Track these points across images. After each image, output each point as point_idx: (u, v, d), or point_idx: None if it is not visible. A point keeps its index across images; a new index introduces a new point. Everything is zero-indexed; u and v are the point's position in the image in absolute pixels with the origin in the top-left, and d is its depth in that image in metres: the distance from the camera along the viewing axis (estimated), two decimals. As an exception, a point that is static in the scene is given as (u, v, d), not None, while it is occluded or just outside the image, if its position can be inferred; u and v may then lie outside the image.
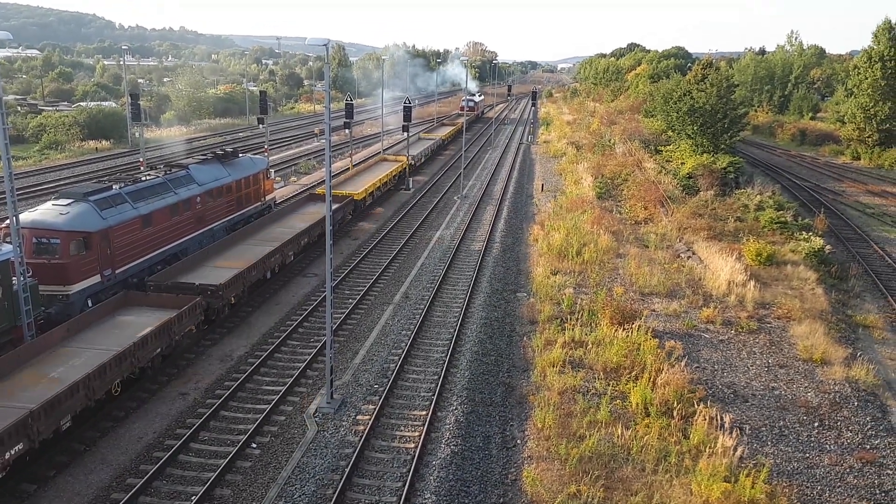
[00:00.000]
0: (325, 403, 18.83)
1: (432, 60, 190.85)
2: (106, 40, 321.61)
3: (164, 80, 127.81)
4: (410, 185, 52.20)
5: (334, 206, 35.87)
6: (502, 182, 55.12)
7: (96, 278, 22.86)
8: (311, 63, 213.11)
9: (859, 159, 68.52)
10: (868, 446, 17.51)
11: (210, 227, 30.25)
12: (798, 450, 17.25)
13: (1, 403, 15.45)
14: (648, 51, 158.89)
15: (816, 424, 18.47)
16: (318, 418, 18.21)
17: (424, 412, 18.54)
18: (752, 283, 27.78)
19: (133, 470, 15.97)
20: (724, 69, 67.55)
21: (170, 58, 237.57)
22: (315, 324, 24.82)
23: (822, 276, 30.10)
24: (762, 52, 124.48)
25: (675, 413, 18.07)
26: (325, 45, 18.61)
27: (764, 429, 18.13)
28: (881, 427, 18.44)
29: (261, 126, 58.67)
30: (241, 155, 35.54)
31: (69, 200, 23.29)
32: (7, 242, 19.56)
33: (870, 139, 67.70)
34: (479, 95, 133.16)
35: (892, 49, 65.18)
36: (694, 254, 32.67)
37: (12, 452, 13.82)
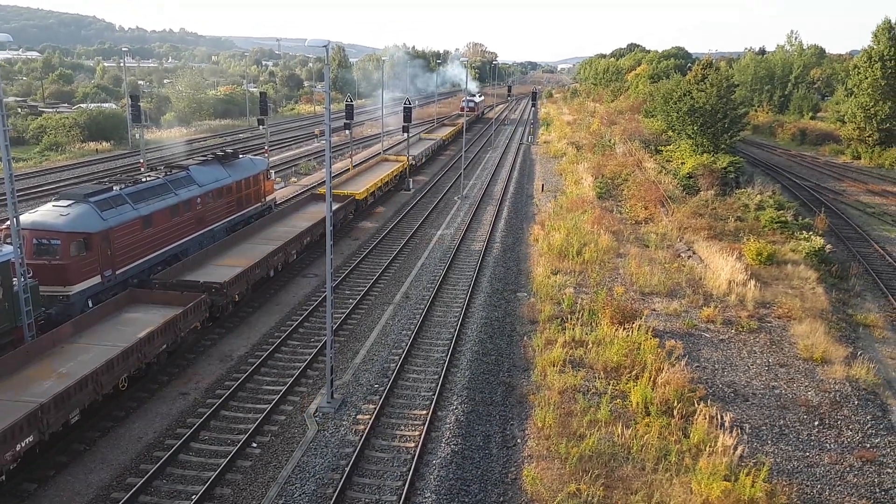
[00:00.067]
0: (326, 403, 18.85)
1: (432, 61, 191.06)
2: (106, 42, 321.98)
3: (165, 81, 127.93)
4: (411, 186, 52.21)
5: (336, 206, 36.10)
6: (502, 182, 55.14)
7: (97, 279, 22.88)
8: (311, 64, 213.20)
9: (859, 159, 68.53)
10: (868, 445, 17.51)
11: (210, 227, 30.27)
12: (798, 448, 17.25)
13: (12, 397, 15.83)
14: (648, 51, 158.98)
15: (817, 423, 18.47)
16: (318, 418, 18.22)
17: (425, 412, 18.55)
18: (753, 282, 27.78)
19: (133, 469, 15.99)
20: (724, 69, 67.58)
21: (170, 59, 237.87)
22: (315, 324, 24.83)
23: (822, 276, 30.10)
24: (762, 51, 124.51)
25: (675, 412, 18.07)
26: (325, 46, 18.63)
27: (764, 428, 18.13)
28: (881, 426, 18.44)
29: (261, 127, 58.67)
30: (241, 156, 35.56)
31: (70, 202, 23.31)
32: (7, 243, 19.57)
33: (870, 139, 67.70)
34: (480, 96, 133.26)
35: (892, 49, 65.19)
36: (694, 253, 32.68)
37: (23, 444, 14.16)
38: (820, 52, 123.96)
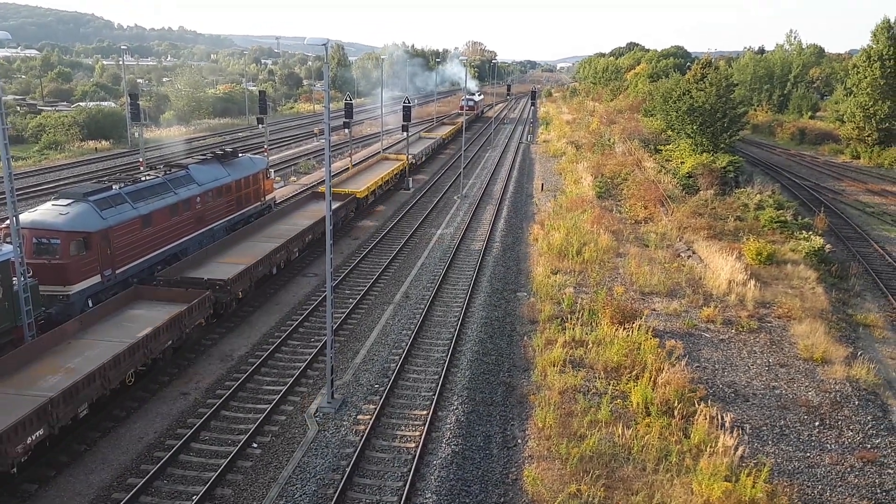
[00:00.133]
0: (326, 403, 18.83)
1: (431, 60, 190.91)
2: (105, 40, 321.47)
3: (164, 79, 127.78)
4: (410, 185, 52.17)
5: (337, 204, 36.25)
6: (502, 181, 55.12)
7: (96, 278, 22.85)
8: (310, 63, 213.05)
9: (859, 158, 68.55)
10: (869, 445, 17.52)
11: (210, 227, 30.24)
12: (799, 449, 17.26)
13: (22, 392, 16.13)
14: (647, 50, 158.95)
15: (817, 424, 18.48)
16: (318, 418, 18.21)
17: (425, 412, 18.54)
18: (753, 282, 27.78)
19: (134, 470, 15.97)
20: (723, 68, 67.60)
21: (169, 58, 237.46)
22: (315, 323, 24.81)
23: (822, 276, 30.11)
24: (761, 51, 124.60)
25: (675, 412, 18.07)
26: (324, 44, 18.60)
27: (765, 428, 18.13)
28: (882, 426, 18.44)
29: (260, 126, 58.65)
30: (240, 155, 35.54)
31: (69, 201, 23.27)
32: (7, 243, 19.54)
33: (869, 138, 67.73)
34: (479, 95, 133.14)
35: (891, 48, 65.21)
36: (694, 253, 32.68)
37: (33, 438, 14.42)
38: (819, 52, 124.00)
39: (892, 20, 66.20)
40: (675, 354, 21.52)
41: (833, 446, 17.44)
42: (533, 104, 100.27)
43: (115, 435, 17.35)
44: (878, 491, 15.75)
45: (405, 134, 54.89)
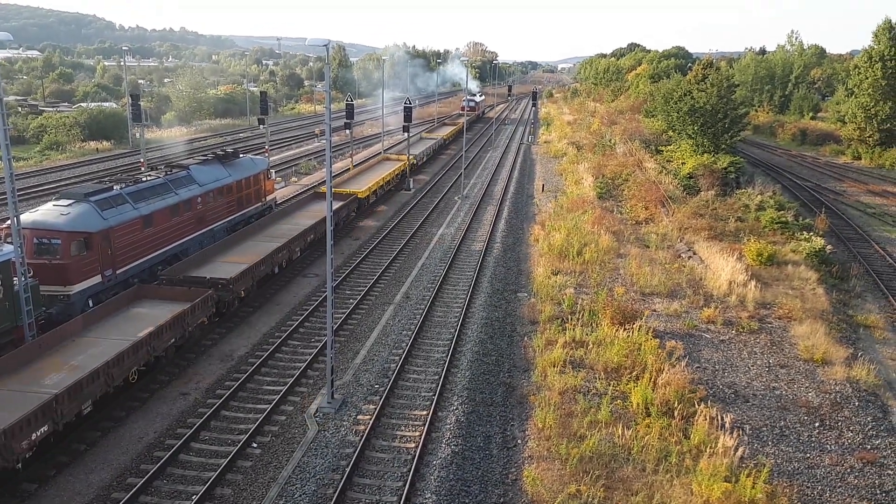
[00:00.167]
0: (326, 403, 18.84)
1: (432, 61, 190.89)
2: (106, 41, 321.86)
3: (165, 80, 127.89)
4: (411, 186, 52.18)
5: (339, 204, 36.44)
6: (503, 182, 55.12)
7: (97, 279, 22.88)
8: (311, 64, 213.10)
9: (860, 159, 68.49)
10: (869, 446, 17.50)
11: (211, 227, 30.27)
12: (799, 450, 17.24)
13: (26, 388, 16.29)
14: (649, 51, 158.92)
15: (817, 424, 18.46)
16: (318, 418, 18.22)
17: (425, 412, 18.54)
18: (753, 283, 27.76)
19: (134, 469, 15.99)
20: (724, 69, 67.54)
21: (170, 58, 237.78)
22: (316, 324, 24.83)
23: (822, 276, 30.09)
24: (762, 51, 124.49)
25: (675, 413, 18.06)
26: (325, 45, 18.61)
27: (765, 429, 18.12)
28: (882, 427, 18.43)
29: (261, 126, 58.66)
30: (241, 155, 35.59)
31: (70, 201, 23.31)
32: (8, 243, 19.57)
33: (870, 139, 67.66)
34: (480, 95, 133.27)
35: (893, 49, 65.13)
36: (695, 254, 32.67)
37: (38, 434, 14.58)
38: (820, 52, 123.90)
39: (894, 21, 66.11)
40: (675, 355, 21.51)
41: (833, 447, 17.42)
42: (534, 105, 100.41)
43: (114, 435, 17.36)
44: (878, 492, 15.74)
45: (406, 135, 54.92)
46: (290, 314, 26.02)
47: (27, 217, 22.03)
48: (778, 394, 20.00)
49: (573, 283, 28.78)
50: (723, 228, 36.67)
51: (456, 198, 48.61)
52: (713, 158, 49.40)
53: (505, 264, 32.57)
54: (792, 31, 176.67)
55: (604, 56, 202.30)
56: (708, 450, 16.31)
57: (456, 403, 19.03)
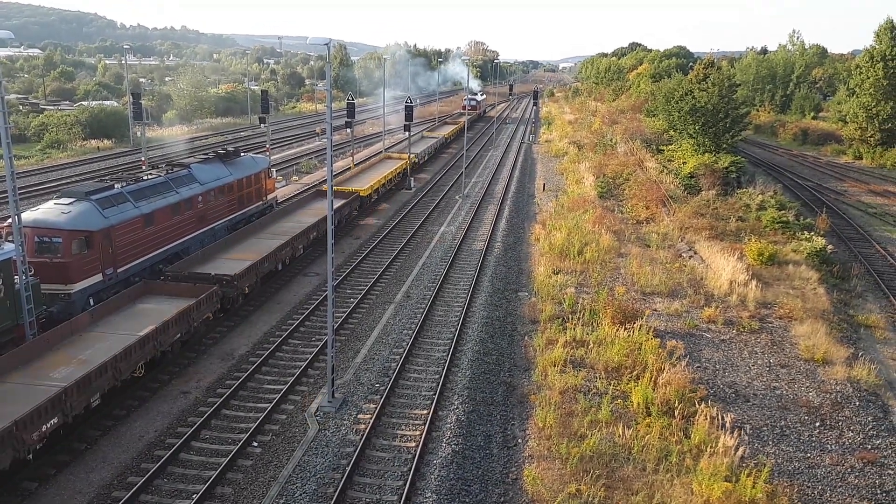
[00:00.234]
0: (327, 402, 18.84)
1: (433, 60, 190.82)
2: (108, 39, 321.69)
3: (166, 79, 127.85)
4: (412, 185, 52.16)
5: (341, 202, 36.65)
6: (504, 181, 55.11)
7: (98, 277, 22.89)
8: (312, 62, 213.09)
9: (861, 159, 68.42)
10: (869, 446, 17.50)
11: (211, 226, 30.28)
12: (799, 449, 17.24)
13: (36, 382, 16.63)
14: (650, 50, 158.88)
15: (818, 424, 18.45)
16: (319, 417, 18.22)
17: (426, 411, 18.55)
18: (754, 282, 27.75)
19: (134, 468, 15.99)
20: (725, 69, 67.50)
21: (171, 57, 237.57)
22: (316, 323, 24.83)
23: (823, 276, 30.07)
24: (764, 51, 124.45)
25: (676, 413, 18.05)
26: (326, 44, 18.61)
27: (765, 428, 18.11)
28: (882, 427, 18.42)
29: (262, 125, 58.72)
30: (242, 154, 35.59)
31: (71, 199, 23.32)
32: (9, 241, 19.59)
33: (872, 139, 67.58)
34: (481, 94, 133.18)
35: (894, 48, 65.05)
36: (695, 253, 32.65)
37: (48, 426, 14.90)
38: (822, 52, 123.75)
39: (895, 21, 66.01)
40: (675, 355, 21.50)
41: (833, 447, 17.42)
42: (535, 104, 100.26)
43: (115, 433, 17.37)
44: (879, 492, 15.73)
45: (407, 134, 54.93)
46: (291, 313, 26.02)
47: (28, 215, 22.05)
48: (778, 393, 19.99)
49: (574, 283, 28.78)
50: (724, 228, 36.65)
51: (457, 197, 48.60)
52: (714, 158, 49.38)
53: (506, 263, 32.57)
54: (793, 31, 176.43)
55: (605, 55, 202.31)
56: (708, 449, 16.31)
57: (456, 403, 19.04)
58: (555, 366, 20.77)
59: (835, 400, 19.68)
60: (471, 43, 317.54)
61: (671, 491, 15.16)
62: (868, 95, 66.70)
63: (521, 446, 17.26)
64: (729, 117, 53.66)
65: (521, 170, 61.72)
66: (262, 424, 17.74)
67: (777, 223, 36.67)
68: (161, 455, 16.31)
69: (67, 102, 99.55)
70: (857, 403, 19.50)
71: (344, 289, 28.62)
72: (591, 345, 22.20)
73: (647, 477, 15.71)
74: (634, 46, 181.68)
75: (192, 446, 16.89)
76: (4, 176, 19.02)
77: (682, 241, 35.05)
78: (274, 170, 41.18)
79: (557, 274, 29.72)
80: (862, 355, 22.54)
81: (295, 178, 53.03)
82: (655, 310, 25.99)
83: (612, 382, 19.90)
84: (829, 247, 33.05)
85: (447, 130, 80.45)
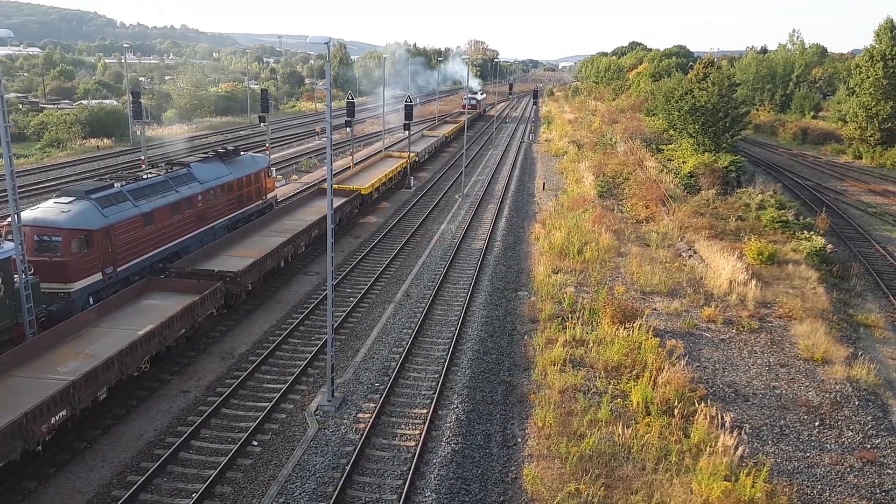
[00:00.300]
0: (326, 401, 18.85)
1: (433, 59, 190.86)
2: (107, 38, 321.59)
3: (166, 78, 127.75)
4: (412, 184, 52.13)
5: (343, 200, 36.88)
6: (503, 180, 55.11)
7: (98, 276, 22.88)
8: (312, 61, 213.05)
9: (861, 158, 68.43)
10: (869, 446, 17.51)
11: (211, 225, 30.28)
12: (799, 449, 17.25)
13: (44, 375, 17.02)
14: (650, 49, 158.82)
15: (817, 424, 18.47)
16: (318, 416, 18.23)
17: (425, 410, 18.55)
18: (754, 282, 27.76)
19: (134, 467, 15.99)
20: (725, 68, 67.51)
21: (171, 56, 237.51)
22: (316, 322, 24.83)
23: (823, 276, 30.08)
24: (764, 50, 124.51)
25: (675, 412, 18.06)
26: (326, 43, 18.60)
27: (765, 428, 18.12)
28: (882, 426, 18.43)
29: (262, 124, 58.70)
30: (242, 153, 35.58)
31: (71, 198, 23.30)
32: (9, 240, 19.58)
33: (871, 138, 67.59)
34: (481, 94, 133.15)
35: (894, 48, 65.06)
36: (695, 253, 32.66)
37: (57, 418, 15.22)
38: (822, 52, 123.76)
39: (895, 20, 66.02)
40: (675, 354, 21.51)
41: (833, 446, 17.43)
42: (535, 103, 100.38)
43: (115, 432, 17.37)
44: (878, 491, 15.74)
45: (407, 133, 54.92)
46: (291, 312, 26.03)
47: (28, 214, 22.03)
48: (778, 393, 20.00)
49: (573, 282, 28.78)
50: (723, 227, 36.65)
51: (457, 196, 48.59)
52: (714, 157, 49.38)
53: (505, 263, 32.57)
54: (793, 30, 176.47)
55: (605, 55, 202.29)
56: (708, 449, 16.31)
57: (456, 402, 19.04)
58: (554, 365, 20.77)
59: (834, 399, 19.69)
60: (470, 42, 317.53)
61: (671, 490, 15.17)
62: (868, 95, 66.71)
63: (520, 445, 17.27)
64: (729, 117, 53.67)
65: (520, 169, 61.72)
66: (261, 423, 17.73)
67: (777, 222, 36.68)
68: (161, 454, 16.31)
69: (67, 101, 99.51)
70: (857, 403, 19.51)
71: (344, 288, 28.62)
72: (591, 344, 22.21)
73: (647, 476, 15.72)
74: (634, 46, 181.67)
75: (192, 445, 16.88)
76: (4, 175, 19.01)
77: (681, 240, 35.06)
78: (274, 169, 41.18)
79: (557, 273, 29.73)
80: (861, 355, 22.55)
81: (295, 177, 53.01)
82: (655, 309, 26.00)
83: (612, 382, 19.91)
84: (829, 246, 33.07)
85: (447, 129, 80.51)
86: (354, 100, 64.69)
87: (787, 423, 18.42)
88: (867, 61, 67.52)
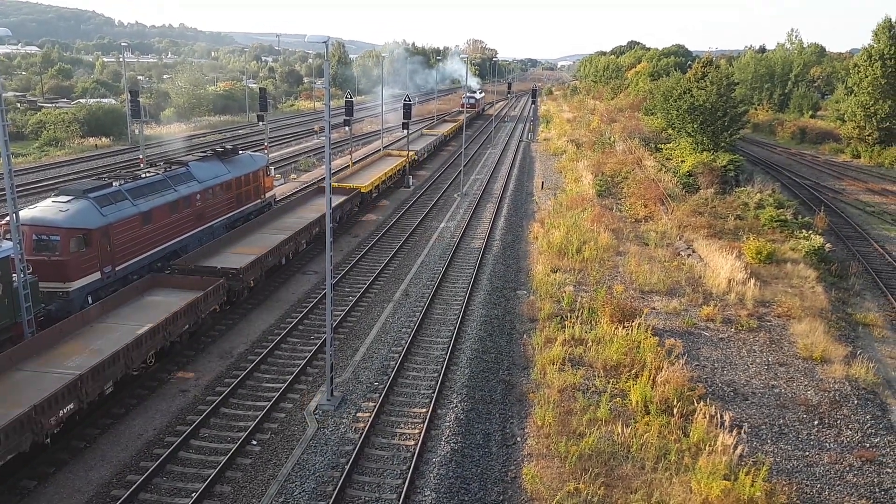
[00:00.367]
0: (326, 401, 18.84)
1: (432, 58, 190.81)
2: (105, 37, 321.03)
3: (164, 77, 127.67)
4: (411, 183, 52.10)
5: (343, 198, 37.09)
6: (502, 179, 55.11)
7: (96, 275, 22.84)
8: (310, 60, 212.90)
9: (859, 157, 68.49)
10: (868, 444, 17.53)
11: (210, 224, 30.24)
12: (798, 448, 17.27)
13: (52, 370, 17.35)
14: (648, 49, 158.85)
15: (816, 423, 18.49)
16: (318, 415, 18.22)
17: (424, 409, 18.55)
18: (752, 281, 27.78)
19: (133, 467, 15.98)
20: (724, 67, 67.56)
21: (169, 55, 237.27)
22: (315, 321, 24.82)
23: (822, 275, 30.10)
24: (762, 50, 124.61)
25: (674, 411, 18.07)
26: (324, 42, 18.59)
27: (764, 427, 18.14)
28: (881, 425, 18.45)
29: (260, 123, 58.63)
30: (240, 152, 35.53)
31: (69, 197, 23.25)
32: (7, 239, 19.54)
33: (870, 137, 67.67)
34: (480, 93, 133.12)
35: (892, 47, 65.13)
36: (694, 252, 32.68)
37: (65, 411, 15.55)
38: (820, 51, 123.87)
39: (894, 20, 66.10)
40: (674, 353, 21.52)
41: (832, 445, 17.45)
42: (533, 102, 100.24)
43: (114, 432, 17.36)
44: (877, 490, 15.77)
45: (405, 132, 54.90)
46: (290, 311, 26.02)
47: (26, 213, 21.98)
48: (777, 392, 20.02)
49: (572, 281, 28.79)
50: (722, 226, 36.67)
51: (455, 195, 48.58)
52: (712, 156, 49.40)
53: (504, 262, 32.57)
54: (792, 30, 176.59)
55: (604, 54, 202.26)
56: (707, 448, 16.33)
57: (455, 401, 19.04)
58: (553, 364, 20.78)
59: (833, 398, 19.71)
60: (469, 41, 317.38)
61: (670, 489, 15.18)
62: (866, 94, 66.76)
63: (519, 444, 17.28)
64: (727, 116, 53.67)
65: (519, 168, 61.72)
66: (261, 423, 17.73)
67: (775, 221, 36.70)
68: (160, 453, 16.30)
69: (65, 100, 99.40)
70: (856, 402, 19.53)
71: (343, 287, 28.61)
72: (590, 343, 22.21)
73: (646, 475, 15.73)
74: (633, 45, 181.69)
75: (192, 445, 16.88)
76: (2, 174, 18.98)
77: (680, 239, 35.08)
78: (272, 168, 41.12)
79: (556, 272, 29.73)
80: (860, 354, 22.57)
81: (293, 176, 52.97)
82: (654, 308, 26.02)
83: (611, 381, 19.92)
84: (828, 245, 33.09)
85: (446, 128, 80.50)
86: (353, 99, 64.59)
87: (786, 422, 18.45)
88: (865, 61, 67.57)
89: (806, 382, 20.66)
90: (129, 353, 17.92)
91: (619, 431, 17.19)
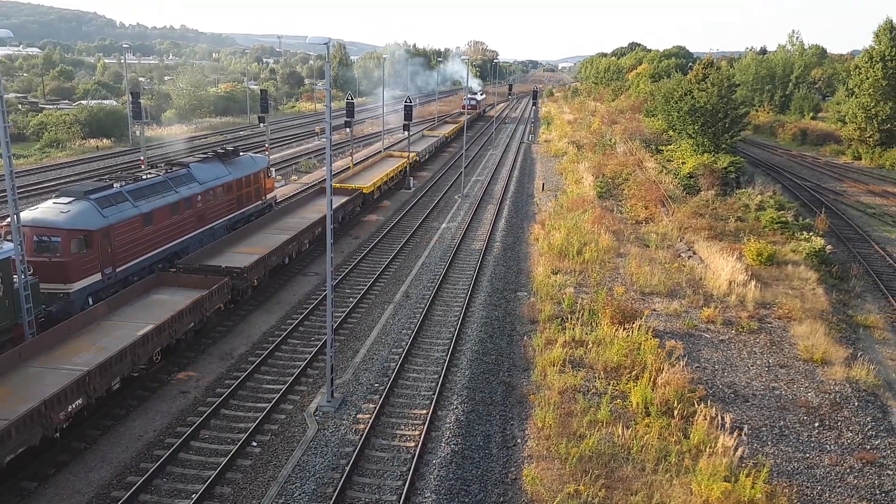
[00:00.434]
0: (326, 402, 18.84)
1: (433, 59, 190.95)
2: (107, 39, 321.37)
3: (165, 78, 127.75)
4: (411, 184, 52.11)
5: (345, 199, 37.34)
6: (503, 181, 55.11)
7: (97, 276, 22.86)
8: (311, 62, 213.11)
9: (860, 159, 68.48)
10: (868, 446, 17.51)
11: (211, 225, 30.27)
12: (798, 450, 17.25)
13: (61, 366, 17.68)
14: (649, 50, 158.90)
15: (817, 424, 18.47)
16: (318, 417, 18.22)
17: (425, 411, 18.54)
18: (753, 282, 27.76)
19: (133, 468, 15.98)
20: (724, 69, 67.53)
21: (171, 56, 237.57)
22: (315, 322, 24.82)
23: (822, 276, 30.08)
24: (763, 51, 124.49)
25: (675, 413, 18.06)
26: (325, 43, 18.60)
27: (764, 429, 18.12)
28: (881, 427, 18.43)
29: (261, 125, 58.67)
30: (241, 154, 35.58)
31: (70, 199, 23.28)
32: (8, 240, 19.57)
33: (871, 139, 67.64)
34: (481, 94, 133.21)
35: (893, 49, 65.10)
36: (695, 253, 32.67)
37: (73, 406, 15.88)
38: (821, 52, 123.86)
39: (895, 21, 66.07)
40: (674, 355, 21.51)
41: (832, 447, 17.43)
42: (534, 104, 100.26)
43: (114, 433, 17.36)
44: (878, 492, 15.75)
45: (406, 133, 54.93)
46: (290, 313, 26.02)
47: (27, 215, 22.01)
48: (777, 394, 20.00)
49: (573, 283, 28.78)
50: (723, 228, 36.66)
51: (456, 196, 48.59)
52: (713, 158, 49.38)
53: (505, 263, 32.57)
54: (793, 31, 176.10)
55: (604, 55, 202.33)
56: (707, 449, 16.32)
57: (456, 402, 19.03)
58: (554, 366, 20.77)
59: (834, 400, 19.69)
60: (470, 42, 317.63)
61: (670, 491, 15.17)
62: (867, 96, 66.74)
63: (520, 446, 17.27)
64: (728, 117, 53.68)
65: (520, 169, 61.72)
66: (261, 424, 17.72)
67: (776, 223, 36.69)
68: (160, 455, 16.30)
69: (66, 101, 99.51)
70: (856, 404, 19.52)
71: (343, 288, 28.61)
72: (591, 345, 22.20)
73: (647, 477, 15.72)
74: (634, 46, 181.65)
75: (192, 446, 16.87)
76: (3, 175, 19.00)
77: (681, 241, 35.07)
78: (273, 169, 41.18)
79: (556, 274, 29.73)
80: (861, 355, 22.56)
81: (294, 177, 53.00)
82: (654, 310, 26.01)
83: (612, 382, 19.91)
84: (828, 247, 33.08)
85: (447, 130, 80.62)
86: (354, 100, 64.66)
87: (787, 423, 18.43)
88: (866, 62, 67.56)
89: (806, 384, 20.65)
90: (135, 350, 18.21)
91: (620, 433, 17.18)
